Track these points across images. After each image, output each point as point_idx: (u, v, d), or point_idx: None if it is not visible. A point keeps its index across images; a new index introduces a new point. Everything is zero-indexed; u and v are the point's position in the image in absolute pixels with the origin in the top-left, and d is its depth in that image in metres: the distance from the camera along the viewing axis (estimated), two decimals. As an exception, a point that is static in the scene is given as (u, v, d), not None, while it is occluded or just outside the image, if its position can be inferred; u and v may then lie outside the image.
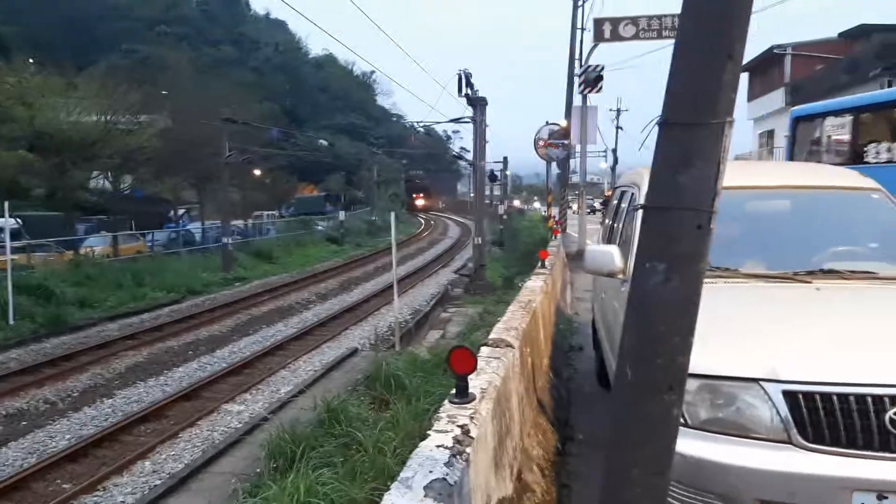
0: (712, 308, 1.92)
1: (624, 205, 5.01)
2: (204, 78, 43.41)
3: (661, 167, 1.94)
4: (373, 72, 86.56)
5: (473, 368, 2.44)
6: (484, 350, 3.28)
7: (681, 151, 1.89)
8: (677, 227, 1.88)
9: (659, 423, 1.93)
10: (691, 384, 2.49)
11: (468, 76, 19.44)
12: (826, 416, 2.46)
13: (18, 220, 22.37)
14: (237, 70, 61.67)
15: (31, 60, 28.58)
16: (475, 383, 2.70)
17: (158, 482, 7.35)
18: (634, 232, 3.83)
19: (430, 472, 1.87)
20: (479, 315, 14.18)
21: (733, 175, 2.71)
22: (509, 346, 3.38)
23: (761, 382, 2.55)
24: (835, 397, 2.45)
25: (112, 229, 25.65)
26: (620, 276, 3.76)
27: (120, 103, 24.15)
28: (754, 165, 7.20)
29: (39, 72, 23.91)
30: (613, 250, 3.80)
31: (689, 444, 2.46)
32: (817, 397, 2.48)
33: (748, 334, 2.81)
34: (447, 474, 1.88)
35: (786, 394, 2.52)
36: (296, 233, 37.09)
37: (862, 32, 27.27)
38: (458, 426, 2.23)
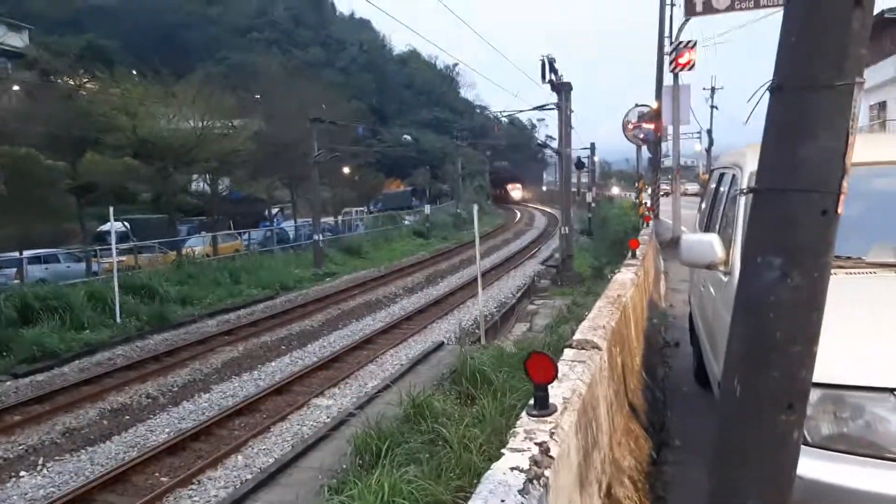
0: (834, 305, 1.58)
1: (724, 188, 4.56)
2: (294, 80, 44.68)
3: (775, 142, 1.61)
4: (455, 64, 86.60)
5: (553, 377, 2.18)
6: (568, 353, 3.00)
7: (799, 122, 1.55)
8: (796, 213, 1.55)
9: (775, 448, 1.61)
10: (811, 395, 2.13)
11: (552, 62, 18.92)
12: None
13: (126, 224, 23.80)
14: (325, 71, 63.22)
15: (133, 72, 30.36)
16: (557, 392, 2.44)
17: (249, 476, 7.50)
18: (738, 219, 3.43)
19: (502, 501, 1.64)
20: (566, 307, 13.78)
21: (856, 148, 2.31)
22: (596, 347, 3.08)
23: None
24: None
25: (211, 230, 26.83)
26: (722, 267, 3.37)
27: (215, 109, 25.18)
28: (879, 137, 6.49)
29: (140, 82, 25.26)
30: (713, 239, 3.41)
31: (809, 465, 2.09)
32: None
33: (878, 335, 2.39)
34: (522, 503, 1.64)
35: None
36: (383, 228, 37.61)
37: None
38: (535, 444, 1.98)
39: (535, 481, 1.77)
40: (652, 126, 20.87)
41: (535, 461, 1.87)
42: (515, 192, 79.09)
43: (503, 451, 1.95)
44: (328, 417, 9.23)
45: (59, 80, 24.72)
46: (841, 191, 1.54)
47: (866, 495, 2.10)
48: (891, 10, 25.71)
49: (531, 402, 2.28)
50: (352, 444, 6.68)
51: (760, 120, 1.74)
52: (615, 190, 68.10)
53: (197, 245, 25.21)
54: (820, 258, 1.56)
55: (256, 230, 30.64)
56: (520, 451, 1.93)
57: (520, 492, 1.69)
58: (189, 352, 12.99)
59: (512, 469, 1.81)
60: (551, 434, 2.06)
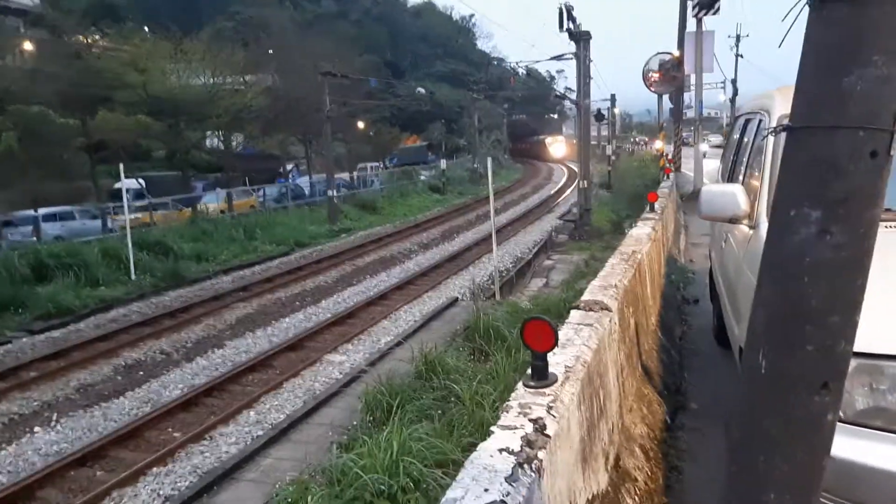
0: (875, 264, 1.33)
1: (748, 136, 4.23)
2: (305, 34, 43.87)
3: (816, 69, 1.33)
4: (472, 15, 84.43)
5: (553, 345, 1.96)
6: (574, 315, 2.77)
7: (846, 43, 1.27)
8: (840, 156, 1.28)
9: (806, 432, 1.38)
10: (845, 364, 1.88)
11: (570, 9, 18.23)
12: None
13: (141, 182, 23.76)
14: (338, 24, 61.87)
15: (143, 29, 29.91)
16: (559, 359, 2.22)
17: (261, 433, 7.48)
18: (765, 167, 3.13)
19: (486, 490, 1.43)
20: (584, 262, 13.55)
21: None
22: (606, 308, 2.84)
23: None
24: None
25: (226, 186, 26.71)
26: (746, 221, 3.09)
27: (226, 65, 24.80)
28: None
29: (150, 39, 24.87)
30: (737, 190, 3.12)
31: (843, 444, 1.86)
32: None
33: (922, 299, 2.12)
34: (508, 493, 1.43)
35: None
36: (399, 183, 37.27)
37: None
38: (530, 420, 1.77)
39: (525, 465, 1.56)
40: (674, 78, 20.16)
41: (527, 441, 1.66)
42: (556, 145, 68.41)
43: (493, 428, 1.74)
44: (341, 374, 9.17)
45: (68, 38, 24.36)
46: (896, 128, 1.27)
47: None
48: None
49: (529, 371, 2.06)
50: (363, 401, 6.62)
51: (795, 56, 1.45)
52: (635, 143, 66.69)
53: (211, 202, 25.14)
54: (867, 210, 1.29)
55: (271, 186, 30.46)
56: (511, 429, 1.72)
57: (507, 478, 1.48)
58: (203, 308, 12.97)
59: (501, 451, 1.61)
60: (549, 409, 1.84)
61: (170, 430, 7.81)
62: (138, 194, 22.19)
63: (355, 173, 38.26)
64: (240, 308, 13.12)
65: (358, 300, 13.42)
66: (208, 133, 28.11)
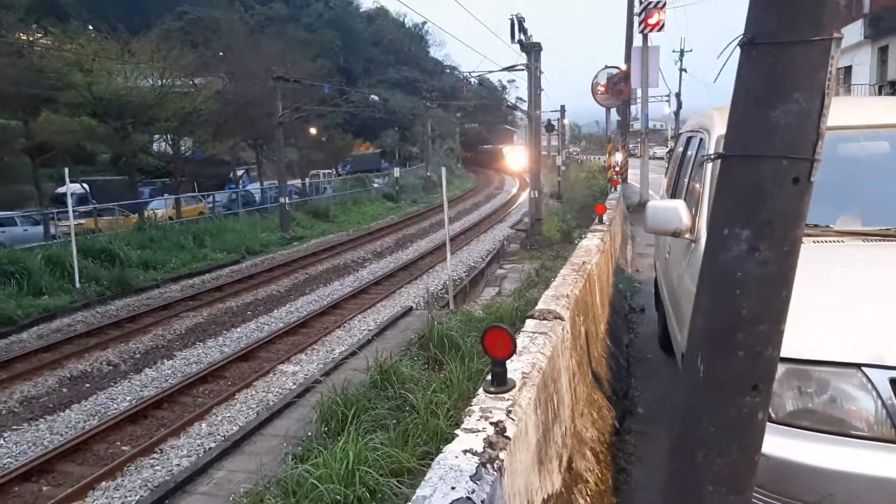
0: (801, 275, 1.49)
1: (691, 152, 4.47)
2: (257, 37, 43.33)
3: (745, 103, 1.49)
4: (424, 23, 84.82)
5: (511, 353, 2.08)
6: (529, 323, 2.90)
7: (772, 81, 1.43)
8: (766, 182, 1.44)
9: (739, 430, 1.53)
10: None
11: (521, 21, 18.57)
12: (946, 411, 1.99)
13: (85, 186, 23.07)
14: (289, 27, 61.30)
15: (90, 28, 29.04)
16: (516, 366, 2.34)
17: (213, 445, 7.39)
18: (704, 186, 3.34)
19: (453, 488, 1.54)
20: (535, 271, 13.78)
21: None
22: (558, 317, 2.99)
23: (864, 368, 2.08)
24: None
25: (175, 192, 26.16)
26: (688, 235, 3.29)
27: (175, 66, 24.31)
28: (845, 101, 6.45)
29: (95, 38, 24.20)
30: (679, 205, 3.32)
31: (774, 443, 2.03)
32: None
33: (845, 308, 2.32)
34: (473, 491, 1.54)
35: (894, 382, 2.05)
36: (352, 190, 37.15)
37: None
38: (491, 423, 1.88)
39: (488, 465, 1.67)
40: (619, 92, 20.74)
41: (489, 443, 1.77)
42: (514, 155, 59.14)
43: (457, 431, 1.85)
44: (294, 384, 9.13)
45: (9, 35, 23.50)
46: (815, 157, 1.44)
47: (830, 473, 2.05)
48: (857, -28, 25.74)
49: (489, 377, 2.18)
50: (317, 411, 6.62)
51: (731, 80, 1.62)
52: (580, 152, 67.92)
53: (159, 207, 24.60)
54: (790, 230, 1.46)
55: (221, 192, 29.99)
56: (474, 432, 1.83)
57: (472, 477, 1.59)
58: (151, 317, 12.70)
59: (465, 452, 1.71)
60: (508, 412, 1.96)
61: (118, 443, 7.64)
62: (82, 199, 21.54)
63: (307, 180, 37.95)
64: (189, 317, 12.89)
65: (311, 309, 13.35)
66: (156, 137, 27.43)
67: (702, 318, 1.57)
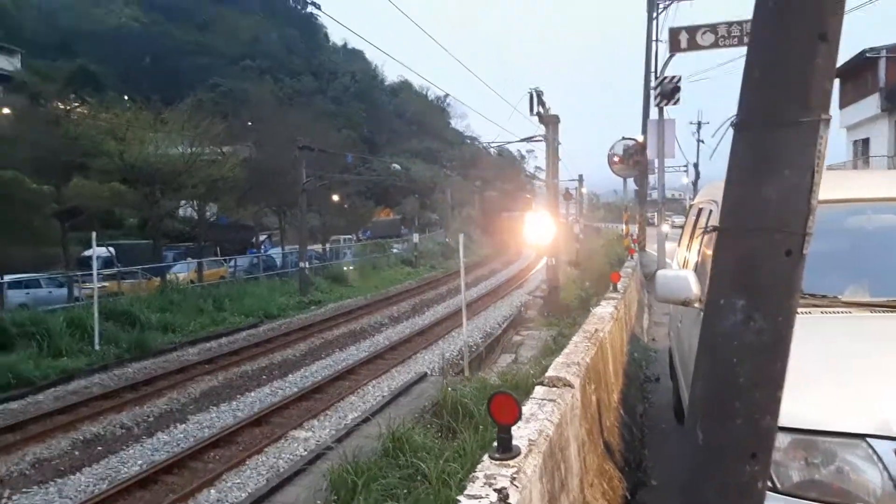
0: (806, 346, 1.52)
1: (701, 222, 4.53)
2: (285, 108, 44.85)
3: (739, 179, 1.57)
4: (446, 95, 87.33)
5: (517, 418, 2.09)
6: (538, 391, 2.91)
7: (763, 159, 1.51)
8: (760, 254, 1.50)
9: (739, 498, 1.53)
10: (782, 440, 2.05)
11: (539, 94, 19.08)
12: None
13: (111, 249, 23.55)
14: (316, 99, 63.52)
15: (124, 98, 30.31)
16: (523, 433, 2.35)
17: (223, 512, 7.29)
18: (707, 258, 3.38)
19: (453, 555, 1.54)
20: (552, 338, 13.66)
21: (830, 186, 2.26)
22: (568, 385, 2.99)
23: (869, 439, 2.07)
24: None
25: (198, 256, 26.59)
26: (697, 304, 3.31)
27: (205, 135, 25.16)
28: (854, 175, 6.49)
29: (129, 108, 25.23)
30: (689, 275, 3.35)
31: (782, 514, 2.01)
32: None
33: (851, 379, 2.31)
34: (474, 559, 1.54)
35: None
36: (371, 256, 37.47)
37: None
38: (495, 490, 1.88)
39: (490, 532, 1.67)
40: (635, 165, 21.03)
41: (492, 510, 1.77)
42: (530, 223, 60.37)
43: (459, 497, 1.85)
44: (305, 450, 9.04)
45: (48, 104, 24.62)
46: (807, 231, 1.49)
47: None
48: (871, 49, 26.29)
49: (495, 443, 2.19)
50: (328, 479, 6.53)
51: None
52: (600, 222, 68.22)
53: (182, 271, 24.96)
54: (784, 300, 1.50)
55: (243, 257, 30.41)
56: (477, 499, 1.83)
57: (473, 545, 1.59)
58: (167, 381, 12.73)
59: (467, 518, 1.72)
60: (512, 479, 1.96)
61: (127, 508, 7.57)
62: (108, 262, 21.96)
63: (328, 245, 38.42)
64: (205, 381, 12.91)
65: (326, 374, 13.31)
66: (182, 202, 28.15)
67: (701, 386, 1.60)
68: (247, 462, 8.73)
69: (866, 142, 29.07)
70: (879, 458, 2.04)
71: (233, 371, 13.69)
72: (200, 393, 12.11)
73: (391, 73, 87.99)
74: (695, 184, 49.54)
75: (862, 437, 2.07)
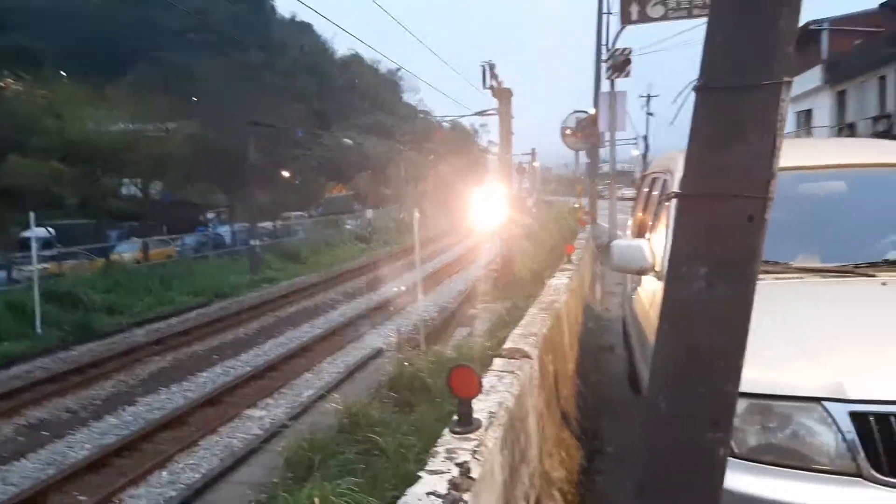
0: (761, 312, 1.52)
1: (655, 193, 4.56)
2: (232, 83, 43.58)
3: (701, 145, 1.53)
4: (398, 69, 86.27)
5: (477, 392, 2.06)
6: (497, 362, 2.89)
7: (726, 123, 1.48)
8: (723, 220, 1.47)
9: (701, 467, 1.53)
10: (738, 405, 2.07)
11: (492, 67, 18.95)
12: (904, 444, 2.01)
13: (51, 230, 22.64)
14: (265, 74, 61.82)
15: (62, 73, 28.89)
16: (483, 405, 2.32)
17: (174, 493, 7.14)
18: (669, 223, 3.40)
19: (415, 533, 1.50)
20: (507, 311, 13.77)
21: (783, 153, 2.27)
22: (526, 356, 2.98)
23: (824, 402, 2.11)
24: (914, 420, 2.01)
25: (143, 235, 25.81)
26: (652, 273, 3.33)
27: (148, 111, 24.30)
28: (802, 143, 6.61)
29: (68, 84, 24.12)
30: (643, 244, 3.37)
31: (737, 478, 2.03)
32: (892, 420, 2.03)
33: (806, 343, 2.35)
34: (436, 535, 1.50)
35: (854, 416, 2.07)
36: (324, 233, 37.03)
37: (904, 4, 26.09)
38: (456, 464, 1.85)
39: (452, 508, 1.63)
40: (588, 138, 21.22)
41: (453, 484, 1.74)
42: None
43: (420, 473, 1.81)
44: (261, 429, 8.90)
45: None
46: (769, 196, 1.48)
47: (794, 508, 2.05)
48: (815, 21, 26.99)
49: (455, 417, 2.15)
50: (284, 457, 6.46)
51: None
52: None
53: (126, 251, 24.20)
54: (746, 267, 1.48)
55: (191, 235, 29.65)
56: (438, 474, 1.79)
57: (435, 521, 1.55)
58: (114, 363, 12.34)
59: (429, 494, 1.68)
60: (473, 453, 1.93)
61: (75, 493, 7.32)
62: (48, 244, 21.12)
63: (279, 222, 37.79)
64: (154, 362, 12.57)
65: (280, 352, 13.11)
66: (126, 180, 27.22)
67: (662, 355, 1.58)
68: (199, 443, 8.55)
69: (809, 113, 29.98)
70: (834, 421, 2.08)
71: (183, 351, 13.37)
72: (149, 374, 11.80)
73: (341, 47, 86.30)
74: (644, 156, 50.43)
75: (817, 400, 2.11)
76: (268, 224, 35.90)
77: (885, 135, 23.77)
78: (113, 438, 8.79)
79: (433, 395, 6.99)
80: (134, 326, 15.41)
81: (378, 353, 12.00)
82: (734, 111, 1.47)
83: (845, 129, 26.59)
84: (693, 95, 1.59)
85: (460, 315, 16.04)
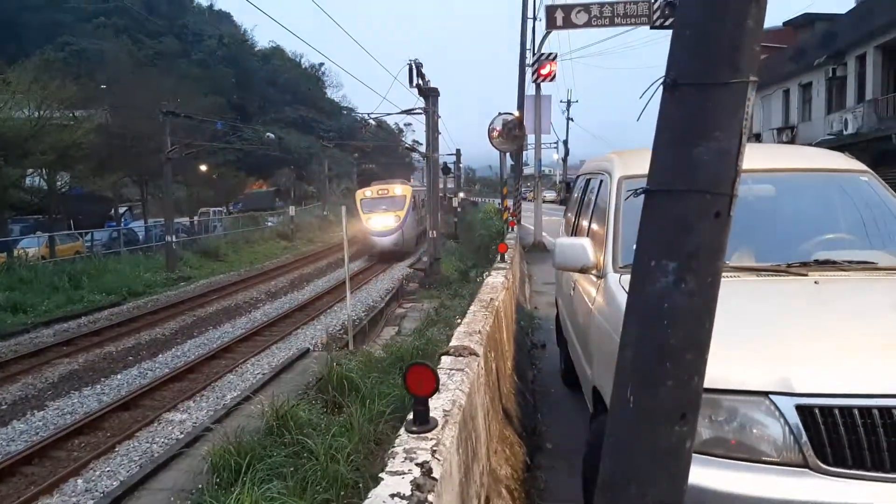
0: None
1: (591, 195, 4.64)
2: (145, 71, 41.65)
3: (669, 140, 1.55)
4: (322, 64, 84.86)
5: (434, 390, 2.02)
6: (445, 360, 2.86)
7: (694, 119, 1.49)
8: (691, 216, 1.49)
9: (669, 459, 1.55)
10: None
11: (419, 66, 18.95)
12: (848, 435, 2.11)
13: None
14: (181, 63, 59.40)
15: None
16: (437, 403, 2.28)
17: (91, 502, 6.74)
18: (609, 226, 3.45)
19: (384, 536, 1.44)
20: (434, 310, 13.79)
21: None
22: (473, 353, 2.96)
23: (771, 396, 2.19)
24: (857, 412, 2.11)
25: (49, 229, 24.29)
26: (594, 271, 3.39)
27: (54, 97, 22.85)
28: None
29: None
30: (586, 243, 3.42)
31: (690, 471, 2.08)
32: (837, 412, 2.13)
33: (751, 339, 2.44)
34: (406, 538, 1.45)
35: (800, 409, 2.16)
36: (244, 229, 35.99)
37: (806, 21, 27.89)
38: (417, 465, 1.80)
39: (418, 510, 1.59)
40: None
41: (417, 485, 1.69)
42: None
43: (381, 475, 1.75)
44: (182, 433, 8.54)
45: None
46: (734, 193, 1.50)
47: (744, 499, 2.12)
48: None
49: (410, 416, 2.10)
50: (208, 462, 6.21)
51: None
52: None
53: (31, 246, 22.72)
54: (713, 262, 1.51)
55: (101, 230, 28.12)
56: (400, 475, 1.74)
57: (402, 523, 1.50)
58: (20, 364, 11.59)
59: (393, 496, 1.63)
60: (433, 452, 1.89)
61: (-23, 505, 6.82)
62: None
63: (196, 218, 36.42)
64: (63, 364, 11.87)
65: (200, 353, 12.64)
66: (30, 171, 25.45)
67: (630, 350, 1.59)
68: (116, 448, 8.13)
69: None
70: (781, 414, 2.17)
71: (95, 353, 12.68)
72: (59, 377, 11.12)
73: (262, 39, 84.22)
74: (564, 160, 51.74)
75: (765, 394, 2.19)
76: (184, 220, 34.54)
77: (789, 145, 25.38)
78: (21, 445, 8.26)
79: (363, 396, 6.90)
80: (41, 326, 14.54)
81: (304, 354, 11.76)
82: (703, 108, 1.49)
83: (752, 138, 28.19)
84: (654, 94, 1.61)
85: (388, 314, 15.96)
